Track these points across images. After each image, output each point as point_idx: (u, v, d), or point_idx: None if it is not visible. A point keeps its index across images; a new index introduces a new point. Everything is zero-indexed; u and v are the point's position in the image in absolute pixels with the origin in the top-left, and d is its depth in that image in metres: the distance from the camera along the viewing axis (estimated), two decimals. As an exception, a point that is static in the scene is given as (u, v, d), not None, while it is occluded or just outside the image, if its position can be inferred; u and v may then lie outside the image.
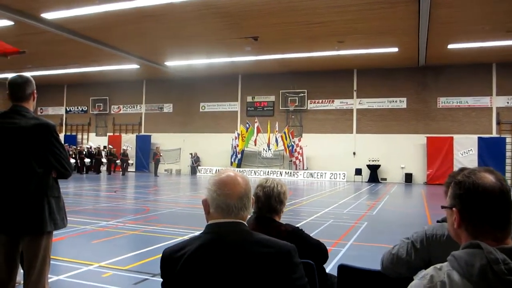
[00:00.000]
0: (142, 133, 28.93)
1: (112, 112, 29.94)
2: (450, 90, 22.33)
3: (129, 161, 25.97)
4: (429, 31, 15.98)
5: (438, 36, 16.90)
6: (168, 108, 28.49)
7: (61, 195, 3.00)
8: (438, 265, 1.24)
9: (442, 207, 1.38)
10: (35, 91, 2.99)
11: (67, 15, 15.10)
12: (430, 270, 1.23)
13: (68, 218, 3.08)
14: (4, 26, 15.86)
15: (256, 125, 24.75)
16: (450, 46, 18.34)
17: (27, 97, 2.91)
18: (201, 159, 26.83)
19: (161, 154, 25.51)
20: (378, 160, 23.34)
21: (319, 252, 2.58)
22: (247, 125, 24.92)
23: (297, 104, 25.17)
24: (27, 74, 3.04)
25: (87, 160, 24.66)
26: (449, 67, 21.87)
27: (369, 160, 23.47)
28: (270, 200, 2.50)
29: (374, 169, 23.17)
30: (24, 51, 4.95)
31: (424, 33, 16.09)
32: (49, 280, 2.96)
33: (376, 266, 2.33)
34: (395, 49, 19.13)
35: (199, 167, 26.43)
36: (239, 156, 25.22)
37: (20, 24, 15.68)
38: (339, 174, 23.61)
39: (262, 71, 24.86)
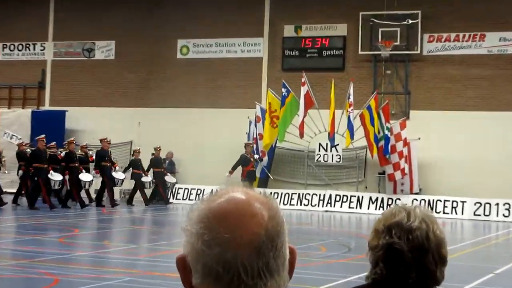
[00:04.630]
0: (46, 106, 30.28)
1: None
2: None
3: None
4: None
5: None
6: (105, 51, 29.65)
7: None
8: None
9: None
10: None
11: None
12: None
13: None
14: None
15: (304, 90, 24.56)
16: None
17: None
18: (180, 166, 27.28)
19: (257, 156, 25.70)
20: None
21: None
22: (284, 90, 25.24)
23: (398, 42, 26.35)
24: None
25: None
26: None
27: None
28: (425, 259, 2.62)
29: None
30: None
31: None
32: None
33: None
34: None
35: (175, 185, 27.67)
36: (265, 160, 25.82)
37: None
38: (499, 205, 24.94)
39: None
